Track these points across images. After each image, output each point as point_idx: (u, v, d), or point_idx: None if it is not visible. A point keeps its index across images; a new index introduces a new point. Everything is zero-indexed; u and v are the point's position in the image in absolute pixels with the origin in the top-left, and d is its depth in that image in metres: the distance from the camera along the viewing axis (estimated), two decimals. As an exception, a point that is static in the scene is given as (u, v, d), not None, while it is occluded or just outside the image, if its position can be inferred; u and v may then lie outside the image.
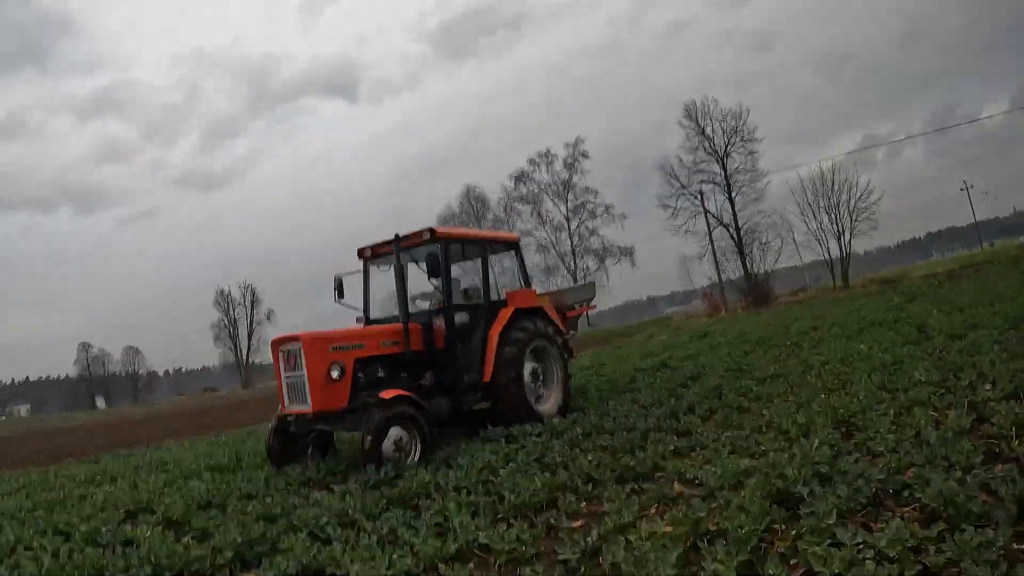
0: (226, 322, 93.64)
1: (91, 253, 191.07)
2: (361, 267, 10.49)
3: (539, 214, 60.36)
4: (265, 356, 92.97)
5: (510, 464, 6.83)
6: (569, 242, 58.81)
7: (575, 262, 59.21)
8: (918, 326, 11.62)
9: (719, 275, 49.05)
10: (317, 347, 8.50)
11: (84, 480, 10.35)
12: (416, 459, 8.12)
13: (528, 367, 10.17)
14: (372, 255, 10.41)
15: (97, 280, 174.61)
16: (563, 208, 60.32)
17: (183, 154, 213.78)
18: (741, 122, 49.81)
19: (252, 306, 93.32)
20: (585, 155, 59.74)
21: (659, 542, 3.81)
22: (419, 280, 10.29)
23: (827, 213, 47.16)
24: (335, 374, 8.55)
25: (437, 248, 9.47)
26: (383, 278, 10.52)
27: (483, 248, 10.75)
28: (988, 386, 6.01)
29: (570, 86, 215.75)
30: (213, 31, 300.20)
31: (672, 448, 6.38)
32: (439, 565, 4.31)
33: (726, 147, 49.96)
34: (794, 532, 3.77)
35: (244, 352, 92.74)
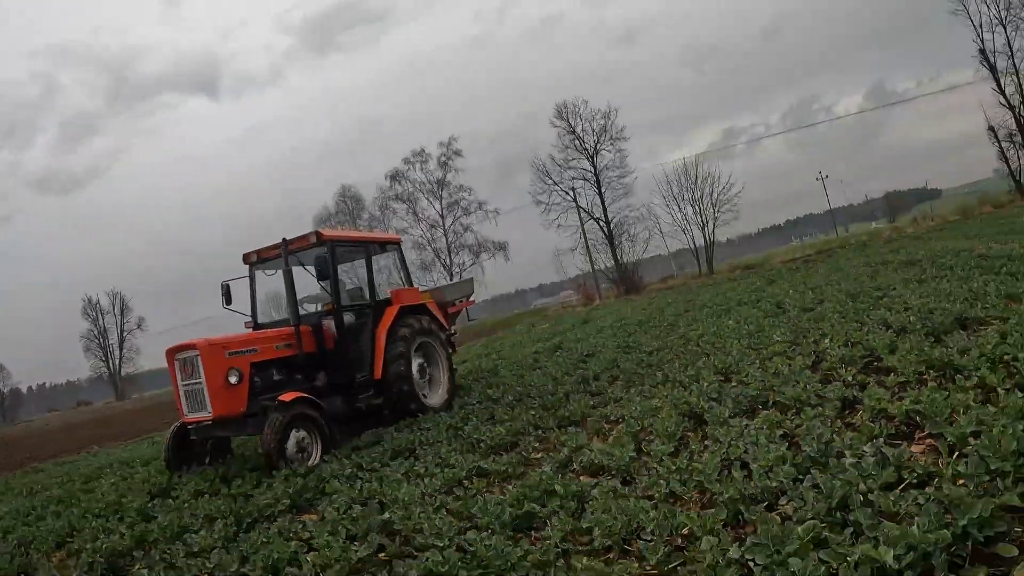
0: (96, 332, 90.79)
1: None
2: (247, 272, 10.69)
3: (415, 212, 62.21)
4: (138, 366, 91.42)
5: (468, 424, 8.37)
6: (444, 239, 60.82)
7: (450, 258, 61.18)
8: (776, 303, 13.77)
9: (592, 266, 52.62)
10: (214, 353, 8.72)
11: (65, 481, 11.18)
12: (317, 459, 8.56)
13: (415, 363, 10.70)
14: (258, 260, 10.66)
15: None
16: (438, 206, 62.36)
17: (40, 154, 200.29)
18: (610, 122, 53.95)
19: (122, 314, 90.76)
20: (458, 153, 62.08)
21: (613, 446, 5.67)
22: (305, 283, 10.69)
23: (691, 205, 52.58)
24: (233, 380, 8.77)
25: (324, 251, 9.87)
26: (269, 282, 10.92)
27: (367, 249, 11.32)
28: (827, 340, 8.16)
29: (439, 80, 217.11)
30: (72, 21, 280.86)
31: (591, 404, 8.21)
32: (462, 481, 5.88)
33: (596, 145, 54.01)
34: (702, 430, 5.73)
35: (116, 362, 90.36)
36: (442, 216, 62.21)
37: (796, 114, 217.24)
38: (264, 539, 5.20)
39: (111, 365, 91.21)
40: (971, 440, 3.87)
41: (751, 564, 3.16)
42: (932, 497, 3.29)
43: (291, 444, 8.35)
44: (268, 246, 10.46)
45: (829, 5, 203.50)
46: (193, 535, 5.79)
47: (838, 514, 3.43)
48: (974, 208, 42.45)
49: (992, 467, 3.37)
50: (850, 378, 6.03)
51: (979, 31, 45.35)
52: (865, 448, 4.12)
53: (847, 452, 4.17)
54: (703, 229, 52.71)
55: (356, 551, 4.53)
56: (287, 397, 8.72)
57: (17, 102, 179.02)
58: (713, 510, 3.87)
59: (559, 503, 4.56)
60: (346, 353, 10.10)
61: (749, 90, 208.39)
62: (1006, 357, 5.27)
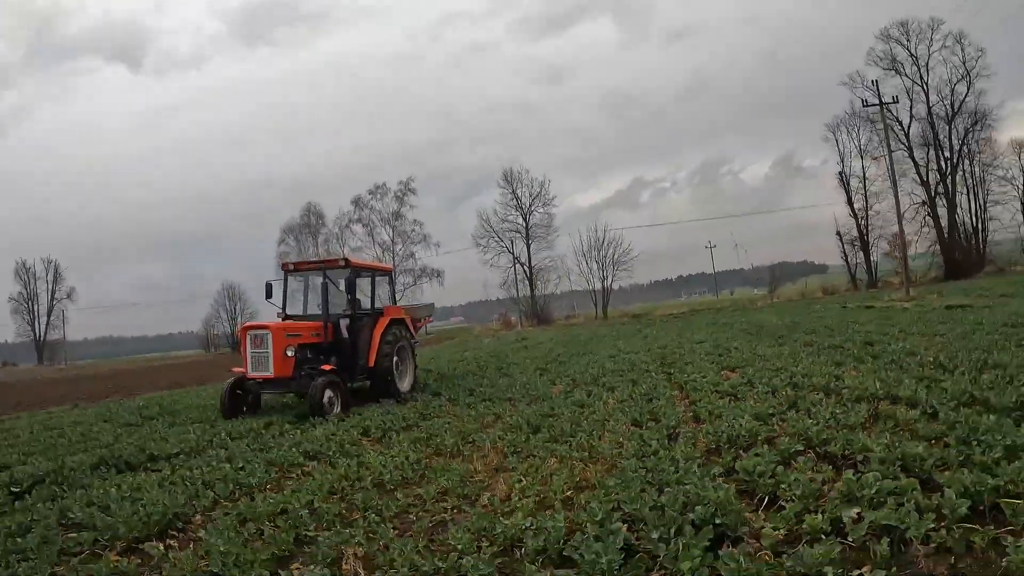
0: (25, 296, 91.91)
1: None
2: (282, 276, 14.45)
3: (371, 235, 72.63)
4: (62, 333, 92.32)
5: (470, 397, 12.65)
6: (393, 261, 70.45)
7: (395, 278, 70.98)
8: (645, 338, 23.94)
9: (517, 300, 65.99)
10: (279, 334, 12.32)
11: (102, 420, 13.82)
12: (338, 411, 11.89)
13: (393, 359, 14.02)
14: (293, 269, 14.54)
15: None
16: (391, 232, 72.99)
17: None
18: (544, 189, 68.25)
19: (55, 282, 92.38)
20: (413, 191, 73.06)
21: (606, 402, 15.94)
22: (312, 292, 14.46)
23: (596, 262, 66.11)
24: (289, 353, 12.33)
25: (350, 272, 13.73)
26: (298, 285, 14.76)
27: (372, 274, 15.28)
28: (687, 363, 18.51)
29: (364, 89, 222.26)
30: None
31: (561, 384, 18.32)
32: (492, 421, 9.43)
33: (530, 206, 67.82)
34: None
35: (42, 328, 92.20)
36: (393, 241, 72.74)
37: (704, 173, 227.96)
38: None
39: (36, 330, 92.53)
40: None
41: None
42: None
43: (325, 400, 11.86)
44: (302, 261, 15.13)
45: (750, 72, 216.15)
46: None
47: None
48: (814, 291, 56.06)
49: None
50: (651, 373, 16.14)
51: (841, 157, 59.53)
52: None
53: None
54: (603, 281, 66.22)
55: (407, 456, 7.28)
56: (326, 367, 12.61)
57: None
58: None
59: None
60: (354, 344, 13.71)
61: (662, 143, 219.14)
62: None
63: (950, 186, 55.06)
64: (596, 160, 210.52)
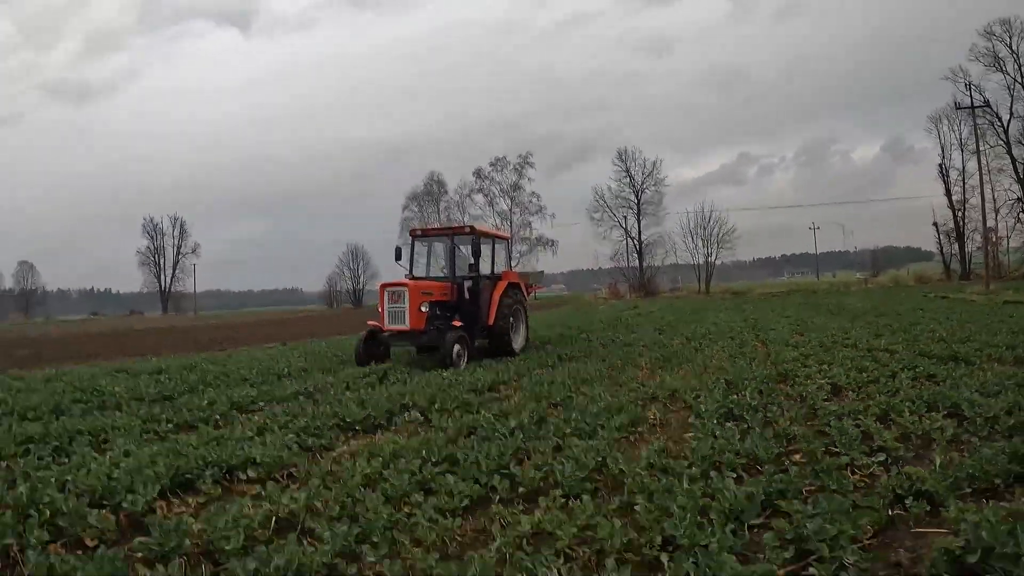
0: (152, 250, 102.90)
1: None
2: (410, 241, 15.67)
3: (491, 205, 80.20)
4: (186, 285, 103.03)
5: (611, 344, 17.15)
6: (510, 230, 76.64)
7: (511, 246, 77.16)
8: (743, 311, 28.85)
9: (625, 272, 72.94)
10: (416, 291, 13.71)
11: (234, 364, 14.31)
12: (464, 362, 13.20)
13: (510, 319, 15.28)
14: (421, 235, 15.93)
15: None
16: (509, 202, 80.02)
17: (60, 60, 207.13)
18: (655, 169, 74.95)
19: (180, 237, 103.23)
20: (532, 165, 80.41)
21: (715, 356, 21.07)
22: (435, 256, 16.19)
23: (702, 240, 71.98)
24: (424, 309, 13.76)
25: (473, 238, 14.81)
26: (423, 249, 15.98)
27: (492, 241, 16.21)
28: (772, 329, 23.02)
29: (468, 56, 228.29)
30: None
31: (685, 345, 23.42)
32: (637, 356, 13.81)
33: (642, 184, 74.23)
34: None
35: (168, 280, 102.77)
36: (510, 212, 79.71)
37: (811, 151, 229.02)
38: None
39: (163, 282, 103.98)
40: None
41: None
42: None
43: (455, 352, 13.13)
44: (430, 227, 17.08)
45: (861, 51, 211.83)
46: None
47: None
48: (907, 279, 59.22)
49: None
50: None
51: (942, 148, 61.97)
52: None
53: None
54: (707, 258, 71.63)
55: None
56: (456, 323, 14.00)
57: (47, 4, 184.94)
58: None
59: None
60: (476, 305, 14.90)
61: (768, 120, 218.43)
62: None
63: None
64: (700, 134, 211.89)
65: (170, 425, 7.79)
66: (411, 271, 15.49)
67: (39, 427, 7.51)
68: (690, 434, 6.34)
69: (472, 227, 15.76)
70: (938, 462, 4.81)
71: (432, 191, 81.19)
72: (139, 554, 3.87)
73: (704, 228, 73.05)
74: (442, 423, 7.28)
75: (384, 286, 14.28)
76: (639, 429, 6.84)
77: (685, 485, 4.46)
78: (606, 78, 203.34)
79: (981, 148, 51.45)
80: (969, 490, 4.25)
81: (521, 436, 6.37)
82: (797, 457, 5.34)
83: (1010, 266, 57.35)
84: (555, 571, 3.37)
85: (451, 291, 14.87)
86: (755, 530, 3.88)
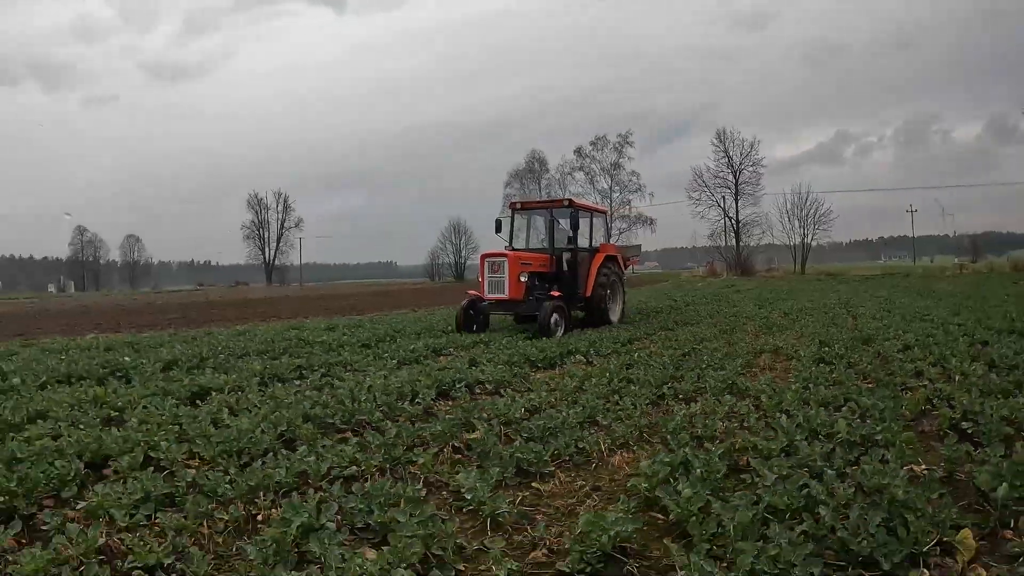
0: (257, 224, 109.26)
1: (57, 133, 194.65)
2: (510, 214, 16.33)
3: (591, 183, 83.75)
4: (291, 258, 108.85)
5: (716, 315, 24.72)
6: (610, 207, 79.73)
7: (611, 223, 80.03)
8: (837, 291, 30.97)
9: (723, 251, 74.92)
10: (514, 262, 14.24)
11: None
12: (561, 332, 13.60)
13: (607, 291, 15.83)
14: (520, 207, 16.58)
15: (56, 159, 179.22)
16: (609, 180, 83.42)
17: (158, 42, 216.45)
18: (753, 149, 77.07)
19: (284, 212, 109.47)
20: (631, 144, 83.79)
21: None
22: (534, 229, 16.73)
23: (798, 220, 73.20)
24: (523, 279, 14.27)
25: (572, 211, 15.28)
26: (522, 222, 16.60)
27: (590, 214, 16.57)
28: (861, 307, 25.48)
29: (560, 29, 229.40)
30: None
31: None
32: (742, 324, 19.75)
33: (740, 165, 76.25)
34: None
35: (272, 253, 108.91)
36: (611, 189, 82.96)
37: (910, 130, 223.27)
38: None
39: (267, 255, 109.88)
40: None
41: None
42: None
43: (552, 321, 13.62)
44: (529, 200, 17.56)
45: (964, 26, 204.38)
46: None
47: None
48: (1003, 266, 59.18)
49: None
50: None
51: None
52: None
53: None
54: (803, 238, 72.93)
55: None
56: (554, 294, 14.55)
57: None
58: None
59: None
60: (574, 277, 15.41)
61: (866, 97, 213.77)
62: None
63: None
64: (797, 111, 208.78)
65: (394, 361, 10.58)
66: (511, 243, 16.13)
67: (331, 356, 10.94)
68: (792, 372, 8.89)
69: (570, 200, 16.16)
70: (957, 381, 7.29)
71: (534, 169, 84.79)
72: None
73: (801, 209, 74.41)
74: (604, 362, 9.92)
75: (485, 256, 14.90)
76: (753, 369, 9.40)
77: (791, 391, 7.03)
78: (703, 53, 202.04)
79: None
80: (978, 394, 6.65)
81: (671, 367, 9.03)
82: (869, 383, 7.83)
83: None
84: (717, 428, 5.91)
85: (550, 263, 15.41)
86: (835, 410, 6.39)
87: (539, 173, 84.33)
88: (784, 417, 5.82)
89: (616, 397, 7.30)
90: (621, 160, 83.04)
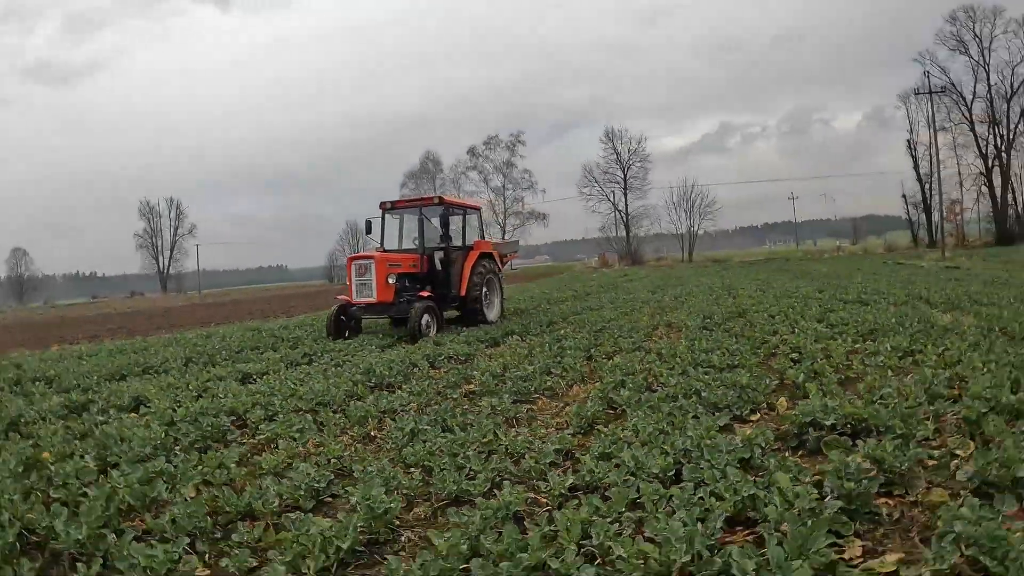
0: (150, 232, 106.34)
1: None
2: (380, 214, 15.74)
3: (485, 181, 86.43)
4: (184, 266, 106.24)
5: (617, 300, 28.27)
6: (503, 205, 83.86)
7: (504, 220, 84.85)
8: (722, 276, 34.40)
9: (613, 242, 79.99)
10: (382, 264, 14.07)
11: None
12: (434, 334, 13.52)
13: (482, 289, 15.72)
14: (391, 207, 15.87)
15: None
16: (502, 179, 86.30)
17: (39, 42, 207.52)
18: (640, 146, 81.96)
19: (177, 219, 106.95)
20: (523, 143, 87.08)
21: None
22: (406, 229, 16.54)
23: (684, 211, 79.46)
24: (391, 280, 14.09)
25: (443, 209, 15.24)
26: (394, 222, 16.35)
27: (463, 211, 16.70)
28: (742, 289, 28.89)
29: (458, 26, 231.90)
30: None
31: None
32: (640, 306, 24.90)
33: (628, 160, 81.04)
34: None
35: (166, 261, 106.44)
36: (503, 187, 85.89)
37: (793, 120, 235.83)
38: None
39: (160, 263, 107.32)
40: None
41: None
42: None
43: (423, 323, 13.56)
44: (399, 199, 16.34)
45: (847, 21, 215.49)
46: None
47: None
48: (876, 247, 65.41)
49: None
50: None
51: (911, 125, 67.92)
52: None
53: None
54: (689, 228, 79.15)
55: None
56: (423, 294, 14.51)
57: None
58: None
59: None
60: (447, 276, 15.43)
61: (752, 89, 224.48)
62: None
63: (1006, 160, 63.52)
64: (686, 103, 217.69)
65: (377, 347, 13.00)
66: (382, 244, 15.83)
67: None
68: (682, 336, 11.73)
69: (440, 197, 15.85)
70: (798, 334, 10.26)
71: (428, 169, 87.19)
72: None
73: (687, 200, 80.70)
74: (539, 339, 12.34)
75: (352, 259, 14.67)
76: (653, 338, 12.12)
77: (681, 346, 9.76)
78: (597, 47, 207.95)
79: (947, 125, 58.94)
80: (811, 341, 9.52)
81: (592, 338, 11.78)
82: (738, 340, 10.67)
83: (978, 235, 63.76)
84: (635, 368, 8.47)
85: (420, 263, 15.31)
86: (711, 353, 9.14)
87: (433, 173, 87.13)
88: (677, 359, 8.57)
89: (558, 358, 9.82)
90: (513, 159, 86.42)
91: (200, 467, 5.18)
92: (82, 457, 5.49)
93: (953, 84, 63.56)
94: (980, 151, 65.08)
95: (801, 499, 3.52)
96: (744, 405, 6.13)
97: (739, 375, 6.99)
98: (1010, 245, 55.82)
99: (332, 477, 4.88)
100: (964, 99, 64.72)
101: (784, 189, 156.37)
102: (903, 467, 3.97)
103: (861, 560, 3.21)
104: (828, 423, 4.98)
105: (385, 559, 3.51)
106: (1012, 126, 63.79)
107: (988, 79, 64.06)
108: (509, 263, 19.50)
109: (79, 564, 3.60)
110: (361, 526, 3.84)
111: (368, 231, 16.07)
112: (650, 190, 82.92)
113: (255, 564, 3.68)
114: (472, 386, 8.32)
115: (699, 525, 3.32)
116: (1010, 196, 64.95)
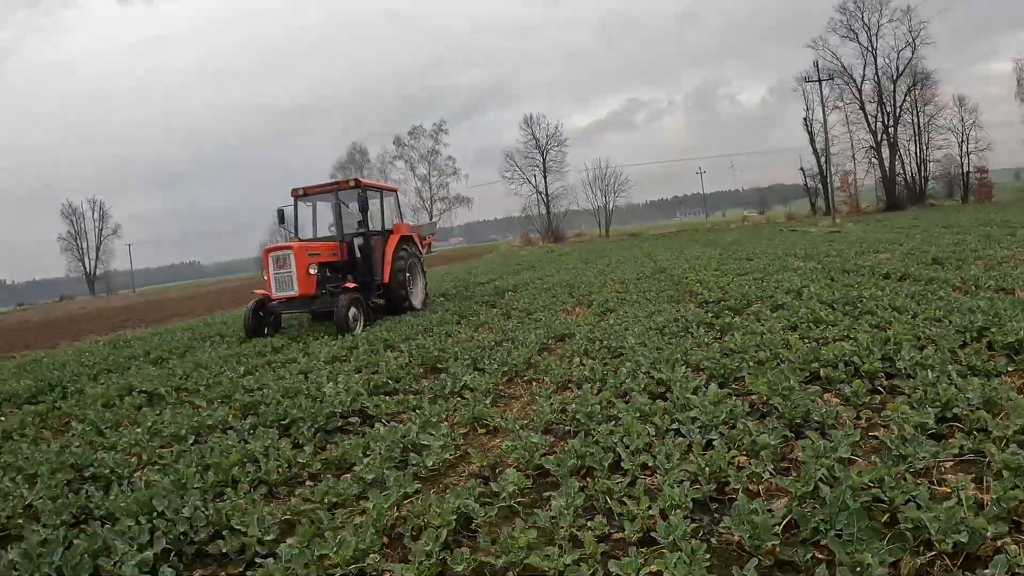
0: (73, 234, 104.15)
1: None
2: (293, 202, 15.25)
3: (412, 170, 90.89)
4: (109, 265, 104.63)
5: (553, 274, 33.04)
6: (430, 191, 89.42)
7: (432, 205, 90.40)
8: (643, 252, 39.27)
9: (534, 221, 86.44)
10: (302, 254, 13.46)
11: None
12: (361, 327, 13.24)
13: (405, 274, 15.29)
14: (303, 194, 15.25)
15: None
16: (427, 167, 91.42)
17: None
18: (557, 130, 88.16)
19: (101, 220, 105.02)
20: (446, 132, 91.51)
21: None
22: (327, 213, 15.87)
23: (600, 189, 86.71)
24: (312, 271, 13.51)
25: (359, 192, 14.61)
26: (308, 210, 15.80)
27: (380, 194, 16.14)
28: (660, 256, 34.09)
29: (355, 11, 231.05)
30: None
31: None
32: (580, 274, 29.63)
33: (546, 145, 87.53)
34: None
35: (92, 263, 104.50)
36: (429, 175, 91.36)
37: (699, 96, 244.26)
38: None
39: (87, 265, 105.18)
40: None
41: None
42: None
43: (350, 316, 13.06)
44: (312, 185, 15.25)
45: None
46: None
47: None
48: (778, 216, 72.64)
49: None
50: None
51: (807, 105, 75.18)
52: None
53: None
54: (605, 205, 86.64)
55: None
56: (349, 285, 13.92)
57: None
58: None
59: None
60: (369, 263, 14.98)
61: (658, 66, 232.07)
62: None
63: (892, 134, 72.13)
64: (592, 81, 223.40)
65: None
66: (296, 233, 15.37)
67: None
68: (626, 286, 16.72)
69: (356, 180, 15.17)
70: (705, 283, 15.48)
71: (355, 159, 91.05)
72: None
73: (602, 180, 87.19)
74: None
75: (268, 250, 13.87)
76: (606, 286, 16.97)
77: (628, 292, 14.85)
78: (498, 29, 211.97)
79: (840, 104, 69.91)
80: (712, 283, 14.69)
81: (567, 291, 16.90)
82: (665, 290, 15.68)
83: (873, 202, 72.29)
84: (609, 297, 13.48)
85: (340, 250, 14.79)
86: (652, 291, 14.16)
87: (361, 163, 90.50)
88: (630, 293, 13.85)
89: (554, 298, 15.06)
90: (437, 147, 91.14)
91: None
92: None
93: (844, 68, 72.37)
94: (869, 127, 73.47)
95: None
96: (678, 298, 11.82)
97: (669, 291, 12.49)
98: (901, 211, 63.02)
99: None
100: (855, 80, 73.34)
101: (693, 163, 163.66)
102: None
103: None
104: (712, 301, 10.75)
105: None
106: (897, 104, 72.21)
107: (876, 62, 72.44)
108: (429, 245, 18.97)
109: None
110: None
111: (281, 221, 15.59)
112: (568, 172, 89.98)
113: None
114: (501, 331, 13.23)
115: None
116: (898, 166, 73.46)
